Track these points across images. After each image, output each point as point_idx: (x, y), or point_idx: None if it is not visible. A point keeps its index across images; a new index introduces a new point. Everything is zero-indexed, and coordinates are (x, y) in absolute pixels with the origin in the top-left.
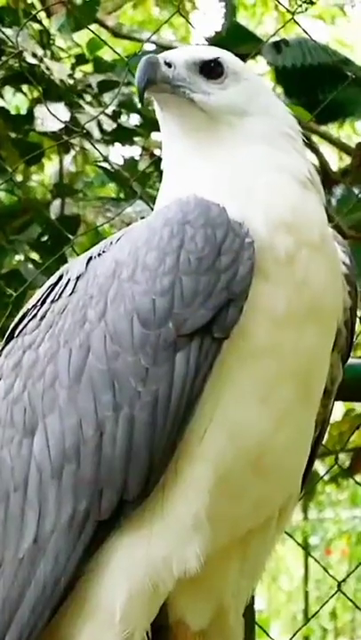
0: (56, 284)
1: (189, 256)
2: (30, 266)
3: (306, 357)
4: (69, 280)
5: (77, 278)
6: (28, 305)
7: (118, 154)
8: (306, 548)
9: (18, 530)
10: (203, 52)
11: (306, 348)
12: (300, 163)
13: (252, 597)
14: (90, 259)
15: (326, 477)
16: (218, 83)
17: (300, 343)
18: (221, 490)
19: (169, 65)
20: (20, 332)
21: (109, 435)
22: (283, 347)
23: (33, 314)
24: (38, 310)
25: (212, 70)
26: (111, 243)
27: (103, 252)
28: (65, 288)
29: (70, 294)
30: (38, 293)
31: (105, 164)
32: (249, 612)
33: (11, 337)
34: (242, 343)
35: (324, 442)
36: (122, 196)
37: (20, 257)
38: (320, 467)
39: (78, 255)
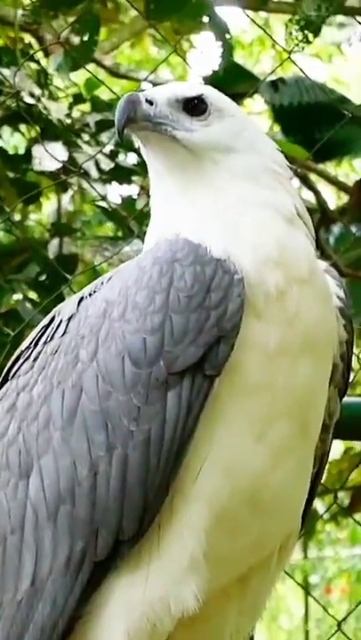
0: (48, 325)
1: (179, 294)
2: (28, 305)
3: (301, 392)
4: (61, 321)
5: (69, 319)
6: (22, 347)
7: (116, 193)
8: (306, 586)
9: (15, 572)
10: (186, 88)
11: (301, 382)
12: (285, 198)
13: (252, 636)
14: (81, 299)
15: (326, 516)
16: (201, 120)
17: (295, 378)
18: (218, 528)
19: (150, 102)
20: (14, 374)
21: (103, 475)
22: (277, 382)
23: (26, 356)
24: (31, 352)
25: (195, 107)
26: (102, 283)
27: (94, 292)
28: (57, 329)
29: (62, 335)
30: (31, 335)
31: (103, 203)
32: None
33: (5, 379)
34: (234, 380)
35: (323, 480)
36: (120, 234)
37: (18, 296)
38: (320, 505)
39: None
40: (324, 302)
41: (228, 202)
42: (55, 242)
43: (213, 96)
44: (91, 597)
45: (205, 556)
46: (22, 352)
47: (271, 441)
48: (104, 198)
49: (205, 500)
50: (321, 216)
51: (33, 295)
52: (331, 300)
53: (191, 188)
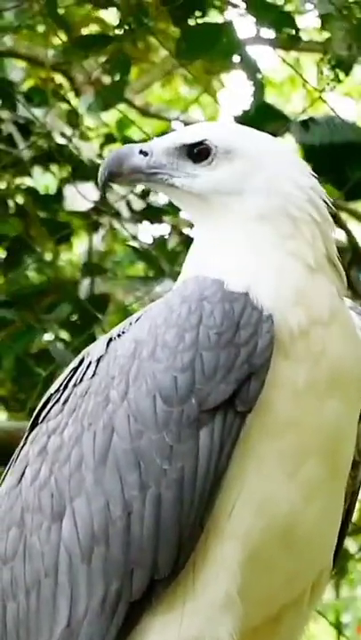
0: (77, 367)
1: (208, 331)
2: (60, 345)
3: (331, 429)
4: (90, 362)
5: (98, 360)
6: (51, 390)
7: (147, 233)
8: (338, 626)
9: (50, 615)
10: (187, 135)
11: (330, 420)
12: (303, 246)
13: None
14: (110, 340)
15: (358, 555)
16: (204, 165)
17: (324, 415)
18: (252, 566)
19: (145, 153)
20: (44, 417)
21: (137, 514)
22: (306, 419)
23: (56, 398)
24: (61, 394)
25: (199, 153)
26: (130, 323)
27: (123, 332)
28: (86, 371)
29: (92, 377)
30: (60, 378)
31: (134, 243)
32: None
33: (35, 423)
34: (265, 417)
35: (354, 519)
36: (151, 274)
37: (49, 336)
38: (351, 544)
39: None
40: (350, 341)
41: (243, 247)
42: (86, 282)
43: (220, 139)
44: (127, 638)
45: (240, 595)
46: (52, 395)
47: (302, 479)
48: (135, 238)
49: (239, 537)
50: (352, 255)
51: (64, 335)
52: (357, 337)
53: (209, 230)
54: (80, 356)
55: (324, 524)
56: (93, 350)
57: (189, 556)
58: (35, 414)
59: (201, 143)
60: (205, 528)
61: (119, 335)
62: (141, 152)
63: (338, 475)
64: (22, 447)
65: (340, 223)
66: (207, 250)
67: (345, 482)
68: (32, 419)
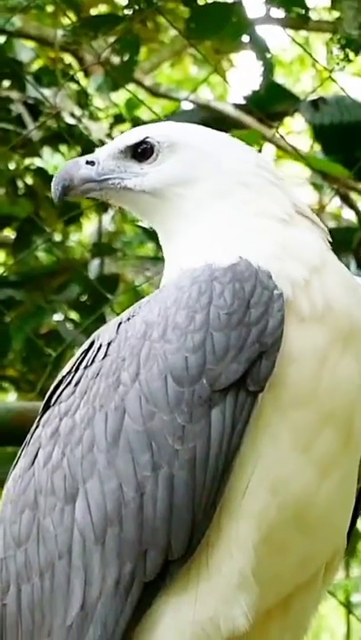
0: (88, 349)
1: (219, 312)
2: (69, 326)
3: (345, 399)
4: (101, 345)
5: (109, 343)
6: (62, 372)
7: None
8: (348, 605)
9: (65, 597)
10: (128, 137)
11: (344, 389)
12: (269, 204)
13: None
14: (120, 323)
15: None
16: (151, 161)
17: (338, 378)
18: (266, 546)
19: (92, 163)
20: (56, 400)
21: (150, 495)
22: (320, 392)
23: (67, 381)
24: (72, 377)
25: (143, 152)
26: (140, 306)
27: (133, 315)
28: (97, 353)
29: (103, 359)
30: (71, 360)
31: (143, 224)
32: None
33: (47, 406)
34: (278, 394)
35: None
36: (160, 255)
37: (59, 317)
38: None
39: (118, 314)
40: (350, 289)
41: (214, 225)
42: (96, 262)
43: (161, 134)
44: (141, 619)
45: (254, 575)
46: (63, 377)
47: (317, 454)
48: None
49: (253, 517)
50: None
51: (74, 316)
52: (354, 282)
53: (174, 225)
54: (90, 339)
55: (338, 502)
56: (104, 333)
57: (203, 536)
58: (47, 397)
59: (143, 142)
60: (219, 508)
61: (129, 318)
62: (88, 162)
63: (353, 447)
64: (35, 430)
65: (349, 203)
66: (182, 243)
67: (359, 457)
68: (44, 401)
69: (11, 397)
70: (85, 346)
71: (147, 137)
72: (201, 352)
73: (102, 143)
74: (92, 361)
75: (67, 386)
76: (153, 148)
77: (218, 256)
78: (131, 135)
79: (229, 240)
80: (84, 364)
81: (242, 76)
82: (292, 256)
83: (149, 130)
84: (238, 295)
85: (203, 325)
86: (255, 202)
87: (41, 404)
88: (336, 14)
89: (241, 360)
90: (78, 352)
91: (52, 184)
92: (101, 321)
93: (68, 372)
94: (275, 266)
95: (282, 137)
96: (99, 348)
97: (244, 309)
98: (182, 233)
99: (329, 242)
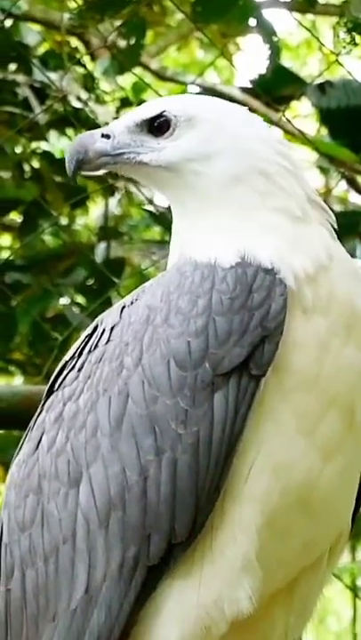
0: (92, 334)
1: (221, 296)
2: (76, 309)
3: (348, 384)
4: (104, 330)
5: (112, 327)
6: (66, 357)
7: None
8: (354, 589)
9: (69, 581)
10: (144, 110)
11: (347, 375)
12: (282, 199)
13: (300, 639)
14: (123, 307)
15: None
16: (168, 136)
17: (341, 364)
18: (270, 530)
19: (108, 136)
20: (60, 384)
21: (153, 479)
22: (323, 377)
23: (71, 365)
24: (76, 362)
25: (159, 126)
26: (143, 291)
27: (136, 300)
28: (100, 338)
29: (106, 343)
30: (75, 345)
31: (150, 207)
32: None
33: (50, 390)
34: (281, 379)
35: None
36: (167, 238)
37: (65, 300)
38: None
39: (124, 298)
40: (355, 280)
41: (226, 213)
42: (102, 246)
43: (178, 108)
44: (145, 602)
45: (258, 558)
46: (67, 362)
47: (320, 437)
48: (151, 202)
49: (257, 500)
50: None
51: (80, 299)
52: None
53: (187, 203)
54: (94, 324)
55: (342, 485)
56: (107, 318)
57: (206, 520)
58: (50, 382)
59: (160, 115)
60: (222, 492)
61: (132, 302)
62: (103, 136)
63: (355, 431)
64: (38, 415)
65: (356, 186)
66: (191, 223)
67: None
68: (48, 386)
69: (17, 381)
70: (89, 330)
71: (164, 110)
72: (204, 336)
73: None
74: (96, 345)
75: (70, 370)
76: (170, 123)
77: (223, 245)
78: (147, 109)
79: (238, 233)
80: (87, 348)
81: (249, 60)
82: (299, 251)
83: (167, 103)
84: (241, 280)
85: (205, 310)
86: (271, 195)
87: (47, 388)
88: None
89: (244, 344)
90: (82, 336)
91: (67, 157)
92: (107, 304)
93: (72, 357)
94: (280, 257)
95: (288, 121)
96: (102, 333)
97: (246, 294)
98: (195, 213)
99: (335, 229)
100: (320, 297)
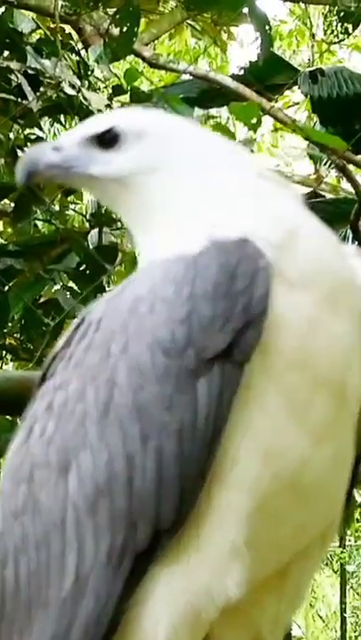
0: (80, 324)
1: (205, 284)
2: (68, 295)
3: (338, 358)
4: (92, 321)
5: (100, 318)
6: (56, 348)
7: None
8: (343, 575)
9: (59, 569)
10: (94, 125)
11: (337, 348)
12: (235, 180)
13: (289, 623)
14: (110, 299)
15: None
16: (116, 149)
17: (331, 345)
18: (259, 516)
19: (58, 149)
20: (51, 373)
21: (139, 467)
22: (312, 354)
23: (61, 355)
24: (66, 351)
25: (109, 140)
26: (129, 282)
27: (122, 291)
28: (89, 328)
29: (94, 332)
30: (65, 335)
31: None
32: (286, 639)
33: (43, 380)
34: (268, 362)
35: None
36: None
37: (57, 286)
38: (356, 494)
39: (116, 284)
40: (331, 248)
41: (181, 207)
42: (95, 232)
43: (128, 122)
44: (134, 590)
45: (247, 544)
46: (57, 353)
47: (311, 421)
48: None
49: (245, 486)
50: (359, 206)
51: (73, 285)
52: (339, 247)
53: (140, 215)
54: (82, 314)
55: (333, 470)
56: (94, 308)
57: (192, 507)
58: (42, 371)
59: (110, 130)
60: (209, 478)
61: (119, 294)
62: (55, 149)
63: (347, 413)
64: (32, 404)
65: (347, 175)
66: (151, 231)
67: (354, 421)
68: (40, 375)
69: (9, 367)
70: (77, 320)
71: (113, 126)
72: (187, 323)
73: (102, 114)
74: (84, 335)
75: (60, 360)
76: (119, 137)
77: (194, 236)
78: (97, 123)
79: (202, 222)
80: (76, 338)
81: (241, 48)
82: (270, 217)
83: (116, 118)
84: (224, 267)
85: (189, 298)
86: (220, 175)
87: (39, 374)
88: None
89: (227, 330)
90: (70, 327)
91: (17, 168)
92: (100, 290)
93: (62, 347)
94: (252, 234)
95: (280, 109)
96: (90, 324)
97: (229, 281)
98: (150, 222)
99: (324, 216)
100: (301, 268)
